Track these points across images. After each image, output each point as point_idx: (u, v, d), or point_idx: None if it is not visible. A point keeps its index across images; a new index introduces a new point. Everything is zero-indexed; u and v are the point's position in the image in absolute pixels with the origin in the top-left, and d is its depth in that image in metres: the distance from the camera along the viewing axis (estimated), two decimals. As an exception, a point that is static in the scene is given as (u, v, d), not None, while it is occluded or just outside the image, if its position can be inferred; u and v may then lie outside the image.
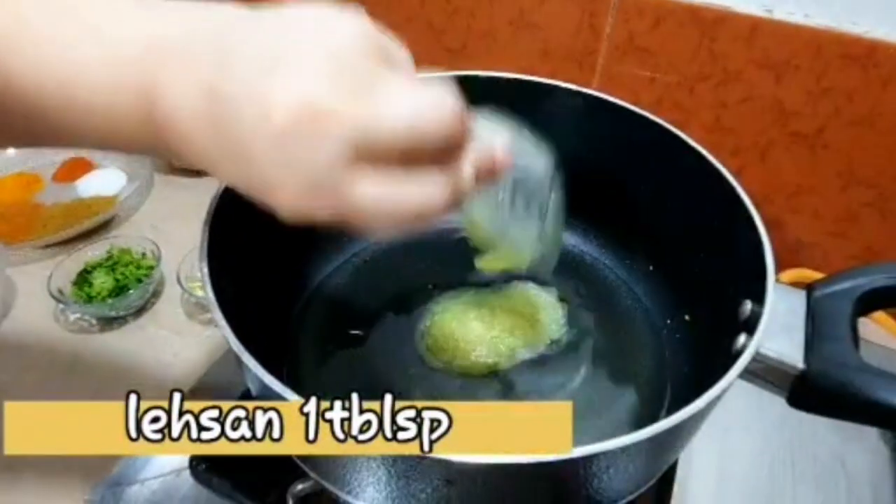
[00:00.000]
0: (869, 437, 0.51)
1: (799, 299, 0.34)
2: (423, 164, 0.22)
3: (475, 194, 0.26)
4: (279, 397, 0.27)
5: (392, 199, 0.22)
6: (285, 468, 0.36)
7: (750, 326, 0.32)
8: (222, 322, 0.30)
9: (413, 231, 0.24)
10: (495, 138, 0.27)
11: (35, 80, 0.24)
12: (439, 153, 0.23)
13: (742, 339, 0.33)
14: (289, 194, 0.22)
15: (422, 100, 0.22)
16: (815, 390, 0.31)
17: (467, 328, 0.49)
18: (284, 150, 0.21)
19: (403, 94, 0.22)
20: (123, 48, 0.24)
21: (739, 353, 0.30)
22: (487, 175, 0.26)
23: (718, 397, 0.28)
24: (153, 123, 0.24)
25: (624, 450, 0.25)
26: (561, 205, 0.38)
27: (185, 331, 0.58)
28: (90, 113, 0.24)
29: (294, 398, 0.26)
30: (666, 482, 0.44)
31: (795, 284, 0.36)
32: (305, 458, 0.34)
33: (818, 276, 0.36)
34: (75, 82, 0.24)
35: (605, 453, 0.25)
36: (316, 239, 0.53)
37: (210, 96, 0.22)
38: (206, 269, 0.33)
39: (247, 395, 0.47)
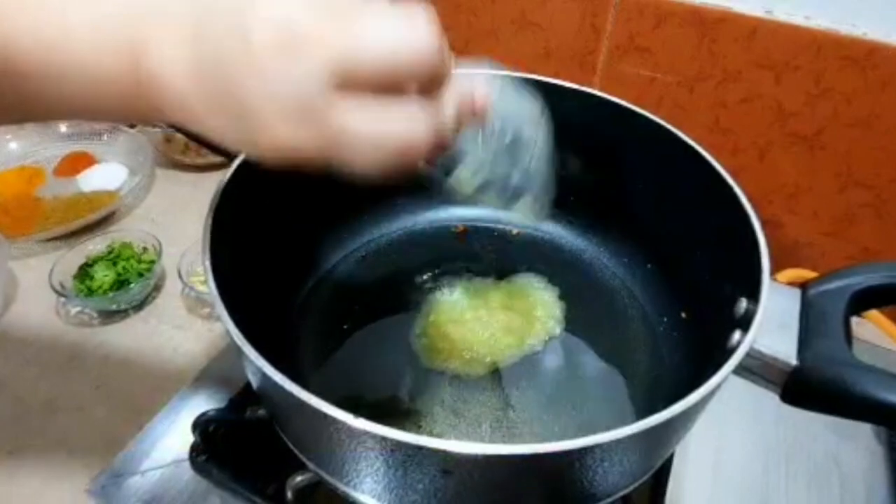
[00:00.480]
0: (864, 435, 0.51)
1: (793, 297, 0.35)
2: (405, 95, 0.23)
3: (458, 136, 0.26)
4: (281, 389, 0.27)
5: (375, 128, 0.22)
6: (284, 459, 0.36)
7: (745, 324, 0.32)
8: (224, 314, 0.31)
9: (397, 170, 0.24)
10: (477, 80, 0.27)
11: (20, 46, 0.24)
12: (421, 84, 0.23)
13: (737, 335, 0.34)
14: (273, 125, 0.22)
15: (403, 25, 0.22)
16: (807, 386, 0.31)
17: (464, 327, 0.49)
18: (266, 73, 0.21)
19: (385, 20, 0.22)
20: (107, 9, 0.24)
21: (734, 349, 0.31)
22: (468, 113, 0.26)
23: (712, 392, 0.29)
24: (138, 83, 0.24)
25: (619, 442, 0.26)
26: (550, 150, 0.38)
27: (185, 325, 0.58)
28: (76, 76, 0.25)
29: (296, 391, 0.27)
30: (662, 476, 0.44)
31: (792, 284, 0.36)
32: (304, 450, 0.35)
33: (815, 276, 0.36)
34: (61, 46, 0.24)
35: (600, 445, 0.26)
36: (316, 234, 0.53)
37: (194, 41, 0.23)
38: (208, 262, 0.34)
39: (247, 389, 0.48)
